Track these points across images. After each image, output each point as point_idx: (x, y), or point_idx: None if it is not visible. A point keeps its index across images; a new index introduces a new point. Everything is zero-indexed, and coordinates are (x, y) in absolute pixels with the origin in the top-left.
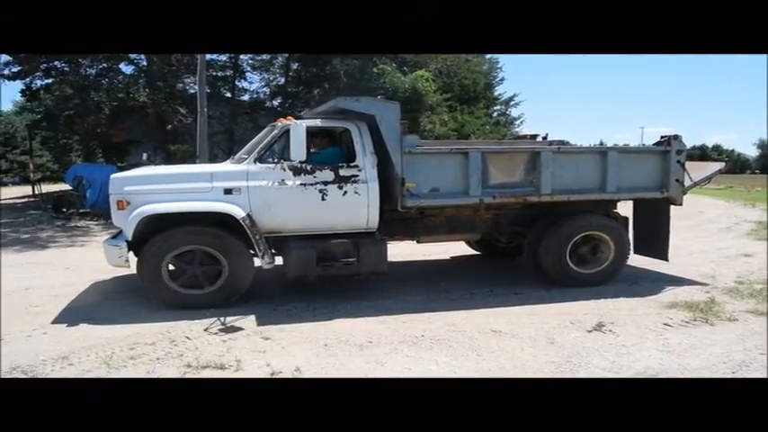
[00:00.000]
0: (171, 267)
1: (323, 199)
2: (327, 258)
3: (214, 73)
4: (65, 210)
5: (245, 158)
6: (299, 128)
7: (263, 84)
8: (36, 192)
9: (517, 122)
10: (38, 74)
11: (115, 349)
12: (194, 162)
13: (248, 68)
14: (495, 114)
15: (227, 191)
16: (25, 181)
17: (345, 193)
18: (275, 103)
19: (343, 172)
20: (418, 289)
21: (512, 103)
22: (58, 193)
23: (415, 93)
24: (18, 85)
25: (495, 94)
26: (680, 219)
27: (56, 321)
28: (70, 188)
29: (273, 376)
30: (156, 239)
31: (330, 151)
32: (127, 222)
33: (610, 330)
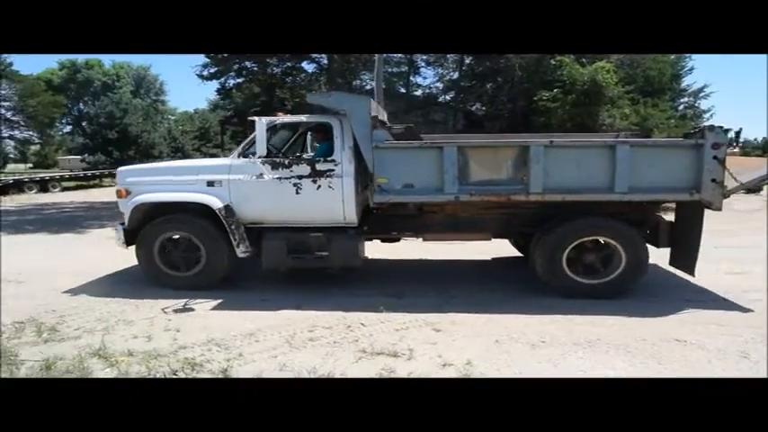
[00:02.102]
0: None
1: (297, 193)
2: (299, 250)
3: (390, 69)
4: None
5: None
6: (260, 124)
7: (436, 79)
8: None
9: (706, 115)
10: (231, 74)
11: (296, 330)
12: None
13: (422, 64)
14: (681, 107)
15: (210, 183)
16: None
17: (319, 187)
18: (448, 97)
19: (319, 166)
20: None
21: (701, 94)
22: None
23: (595, 85)
24: (214, 84)
25: (683, 85)
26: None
27: (238, 302)
28: None
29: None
30: (148, 226)
31: (322, 146)
32: (125, 210)
33: None
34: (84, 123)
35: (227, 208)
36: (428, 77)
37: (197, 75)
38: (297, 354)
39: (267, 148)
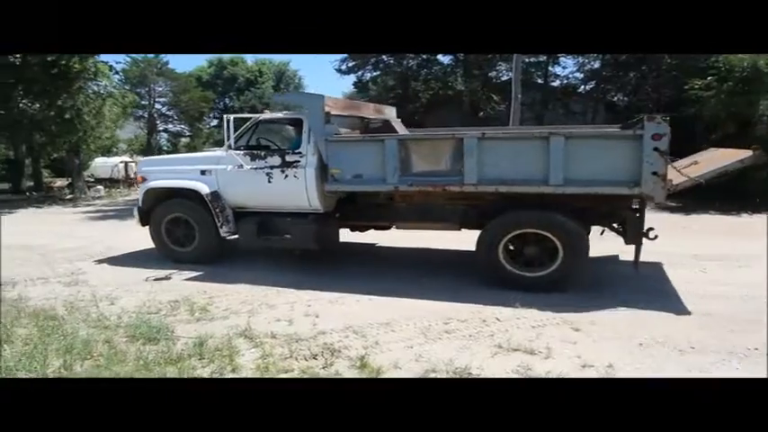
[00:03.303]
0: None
1: (269, 181)
2: (268, 232)
3: (527, 59)
4: None
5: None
6: (226, 121)
7: (575, 68)
8: None
9: None
10: (368, 67)
11: (431, 322)
12: None
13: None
14: None
15: (203, 172)
16: None
17: (287, 176)
18: (588, 88)
19: (288, 158)
20: None
21: None
22: None
23: (756, 71)
24: (351, 78)
25: None
26: None
27: (379, 291)
28: None
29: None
30: (158, 208)
31: (294, 140)
32: (139, 193)
33: None
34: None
35: (214, 194)
36: (567, 67)
37: (335, 69)
38: (432, 345)
39: (257, 141)
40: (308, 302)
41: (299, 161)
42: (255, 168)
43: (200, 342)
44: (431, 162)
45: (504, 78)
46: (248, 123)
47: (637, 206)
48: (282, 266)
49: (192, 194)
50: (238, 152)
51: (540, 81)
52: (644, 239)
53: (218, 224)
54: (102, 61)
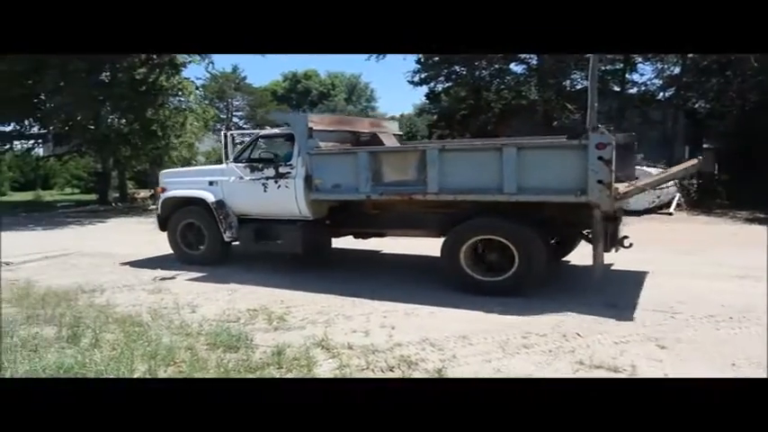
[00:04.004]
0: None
1: (264, 191)
2: (263, 238)
3: (603, 67)
4: None
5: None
6: (223, 137)
7: (654, 75)
8: None
9: None
10: (440, 78)
11: (509, 336)
12: None
13: (640, 59)
14: None
15: (210, 183)
16: None
17: (279, 186)
18: (667, 94)
19: (281, 170)
20: None
21: None
22: None
23: None
24: (421, 89)
25: None
26: None
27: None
28: None
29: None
30: (174, 215)
31: (287, 154)
32: (158, 202)
33: None
34: None
35: (219, 202)
36: (645, 73)
37: (408, 81)
38: (511, 360)
39: (260, 155)
40: (384, 314)
41: (290, 172)
42: (253, 179)
43: (278, 351)
44: (399, 173)
45: (579, 87)
46: (249, 139)
47: (612, 215)
48: (357, 277)
49: (201, 203)
50: (239, 164)
51: (616, 89)
52: (620, 247)
53: (222, 230)
54: (186, 78)
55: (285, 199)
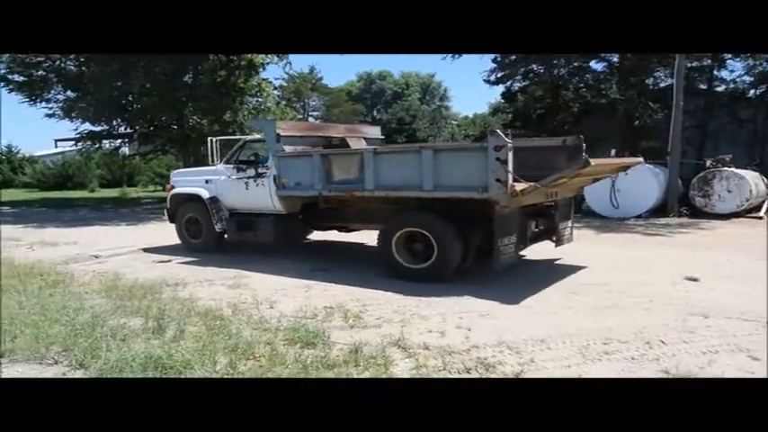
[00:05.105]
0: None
1: (246, 189)
2: (243, 229)
3: (690, 63)
4: None
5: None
6: (209, 143)
7: (744, 71)
8: None
9: None
10: (517, 77)
11: (590, 341)
12: (665, 159)
13: (729, 56)
14: None
15: (207, 181)
16: None
17: (258, 185)
18: (758, 92)
19: (260, 170)
20: None
21: None
22: None
23: None
24: (495, 89)
25: None
26: None
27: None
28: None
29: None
30: (179, 209)
31: (264, 156)
32: (168, 198)
33: None
34: None
35: (213, 198)
36: (736, 70)
37: (484, 80)
38: (591, 366)
39: (248, 157)
40: (460, 315)
41: (265, 173)
42: (239, 178)
43: (355, 349)
44: (345, 172)
45: (663, 85)
46: (239, 143)
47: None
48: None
49: (199, 199)
50: (228, 166)
51: (703, 86)
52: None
53: (214, 222)
54: (265, 78)
55: (262, 195)
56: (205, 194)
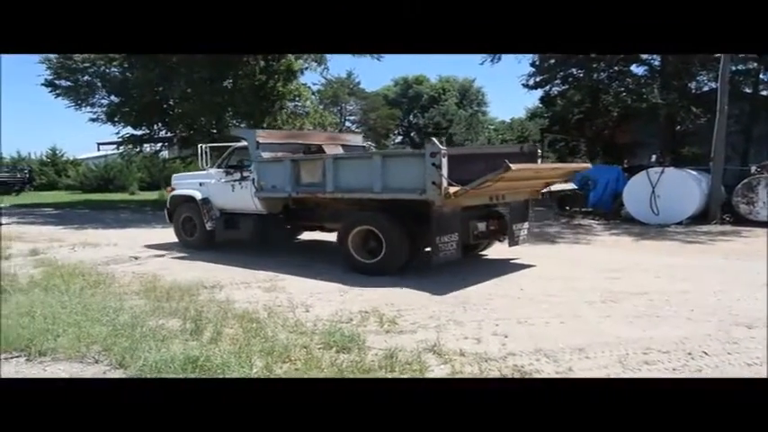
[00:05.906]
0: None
1: (232, 190)
2: (229, 227)
3: (734, 67)
4: (568, 207)
5: None
6: (200, 149)
7: None
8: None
9: None
10: (556, 81)
11: (629, 350)
12: (707, 165)
13: None
14: None
15: (201, 184)
16: None
17: (242, 187)
18: None
19: (244, 174)
20: None
21: None
22: (564, 191)
23: None
24: (533, 93)
25: None
26: None
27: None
28: (576, 187)
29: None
30: (177, 209)
31: (249, 161)
32: (167, 199)
33: None
34: (412, 134)
35: (205, 199)
36: None
37: (522, 84)
38: (630, 375)
39: (237, 162)
40: (496, 321)
41: (248, 176)
42: (226, 181)
43: (390, 354)
44: (311, 176)
45: (706, 89)
46: (228, 150)
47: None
48: (460, 282)
49: (193, 200)
50: (218, 170)
51: (748, 90)
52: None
53: (205, 221)
54: (303, 83)
55: (245, 197)
56: (198, 196)
